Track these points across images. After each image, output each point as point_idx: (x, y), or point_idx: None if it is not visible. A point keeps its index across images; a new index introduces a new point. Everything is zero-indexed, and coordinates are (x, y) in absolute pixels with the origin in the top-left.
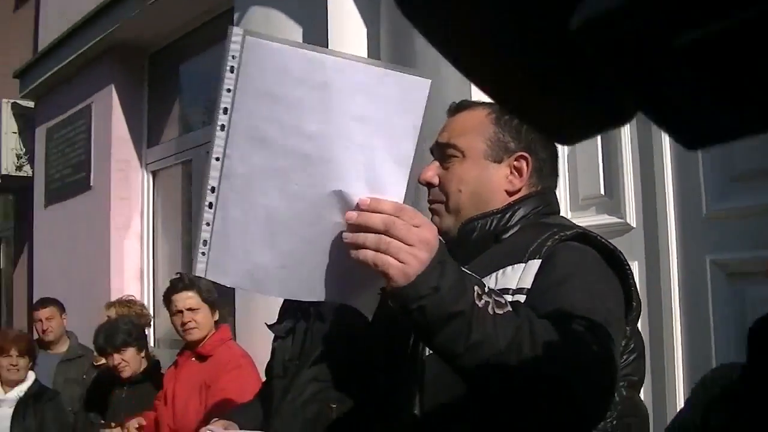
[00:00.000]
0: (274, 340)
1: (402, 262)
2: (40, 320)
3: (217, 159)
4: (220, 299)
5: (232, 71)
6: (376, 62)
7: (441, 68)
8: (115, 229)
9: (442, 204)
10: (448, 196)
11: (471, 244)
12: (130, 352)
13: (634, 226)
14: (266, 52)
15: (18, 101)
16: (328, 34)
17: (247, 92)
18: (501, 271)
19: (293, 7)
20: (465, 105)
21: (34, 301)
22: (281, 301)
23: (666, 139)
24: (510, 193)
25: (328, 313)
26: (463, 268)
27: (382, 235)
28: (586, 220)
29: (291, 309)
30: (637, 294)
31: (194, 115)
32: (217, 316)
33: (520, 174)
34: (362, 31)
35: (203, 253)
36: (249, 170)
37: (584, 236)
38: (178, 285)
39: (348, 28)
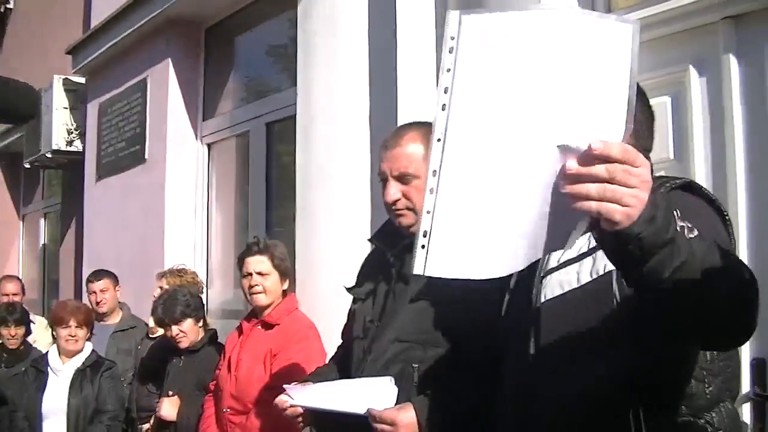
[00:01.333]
0: (354, 302)
1: (626, 206)
2: (94, 292)
3: (439, 140)
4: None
5: (451, 51)
6: (582, 11)
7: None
8: (170, 202)
9: None
10: None
11: None
12: (187, 324)
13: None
14: (482, 26)
15: (70, 77)
16: (396, 4)
17: (466, 70)
18: None
19: None
20: None
21: (84, 275)
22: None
23: (737, 102)
24: None
25: (417, 277)
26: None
27: (606, 184)
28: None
29: (371, 272)
30: (736, 246)
31: (250, 88)
32: (286, 285)
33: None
34: (430, 2)
35: (423, 246)
36: (472, 148)
37: (690, 186)
38: (252, 248)
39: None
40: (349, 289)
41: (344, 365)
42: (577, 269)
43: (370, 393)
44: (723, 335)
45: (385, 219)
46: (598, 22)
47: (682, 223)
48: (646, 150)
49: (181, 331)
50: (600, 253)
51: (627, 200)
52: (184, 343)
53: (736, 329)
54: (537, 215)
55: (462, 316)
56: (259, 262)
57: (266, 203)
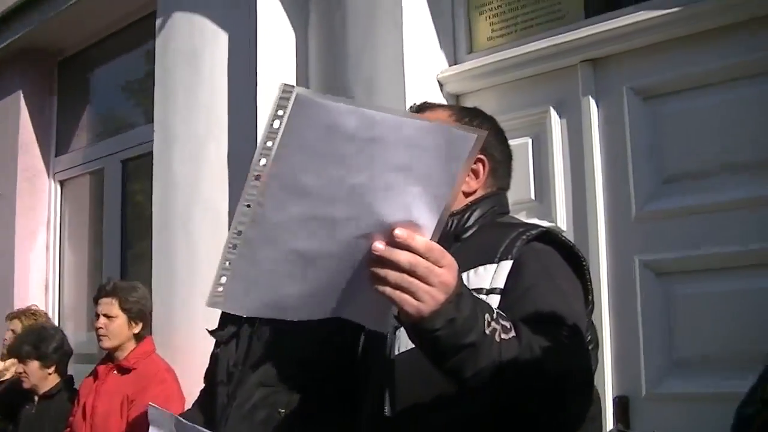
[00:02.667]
0: (216, 346)
1: (419, 300)
2: None
3: (248, 206)
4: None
5: (277, 124)
6: (426, 119)
7: (373, 77)
8: (20, 240)
9: None
10: None
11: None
12: (33, 365)
13: (565, 229)
14: (317, 110)
15: None
16: (257, 40)
17: (289, 146)
18: (473, 270)
19: (219, 12)
20: (427, 106)
21: None
22: (200, 313)
23: (596, 143)
24: (466, 194)
25: (282, 321)
26: (475, 296)
27: (404, 275)
28: None
29: (234, 314)
30: (592, 289)
31: (105, 124)
32: (138, 329)
33: (477, 176)
34: (291, 36)
35: (220, 289)
36: (283, 218)
37: (548, 235)
38: (102, 290)
39: (277, 34)
40: (211, 332)
41: (208, 410)
42: None
43: None
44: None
45: None
46: (444, 129)
47: (496, 326)
48: (502, 189)
49: (24, 370)
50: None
51: (421, 295)
52: (26, 384)
53: (560, 420)
54: (347, 280)
55: (313, 350)
56: (107, 305)
57: (121, 242)
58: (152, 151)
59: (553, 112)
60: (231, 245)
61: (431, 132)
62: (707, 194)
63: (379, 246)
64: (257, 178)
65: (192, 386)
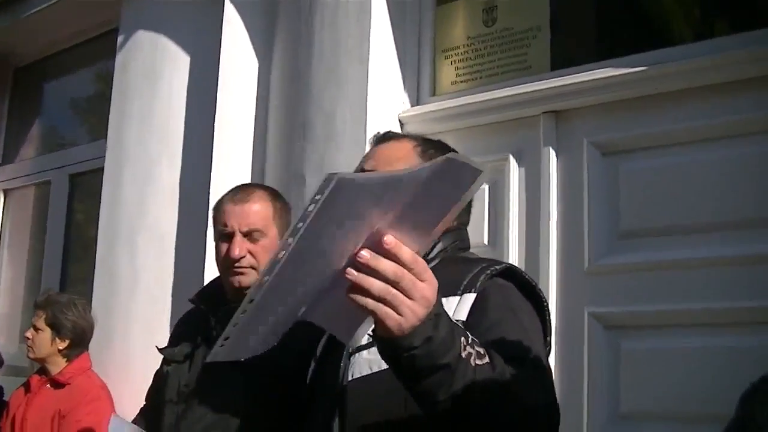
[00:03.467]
0: (166, 363)
1: (400, 315)
2: None
3: (266, 279)
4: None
5: (312, 208)
6: (441, 159)
7: (335, 113)
8: None
9: None
10: None
11: None
12: None
13: None
14: (353, 189)
15: None
16: (219, 66)
17: (319, 223)
18: None
19: (184, 34)
20: (391, 135)
21: None
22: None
23: (553, 194)
24: None
25: None
26: (452, 318)
27: (389, 286)
28: None
29: (189, 333)
30: (551, 331)
31: (55, 137)
32: (62, 345)
33: None
34: (254, 66)
35: (221, 345)
36: (295, 278)
37: (511, 272)
38: (37, 300)
39: (240, 62)
40: (162, 350)
41: (154, 428)
42: None
43: None
44: None
45: (190, 281)
46: (456, 162)
47: (471, 350)
48: (463, 224)
49: None
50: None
51: (403, 310)
52: None
53: None
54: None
55: (266, 383)
56: (37, 316)
57: (63, 257)
58: (101, 168)
59: (512, 160)
60: (242, 310)
61: (443, 167)
62: (661, 252)
63: (365, 254)
64: (280, 254)
65: (127, 405)
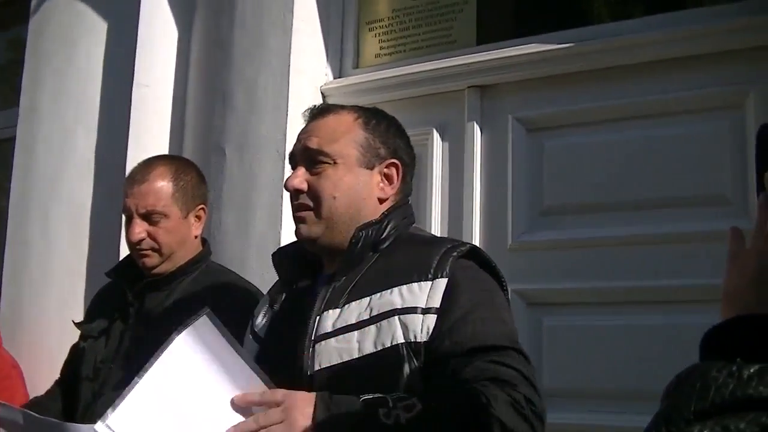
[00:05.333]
0: (83, 339)
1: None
2: None
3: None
4: None
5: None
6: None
7: (256, 82)
8: None
9: (310, 211)
10: (320, 202)
11: (355, 254)
12: None
13: None
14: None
15: None
16: (138, 33)
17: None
18: (405, 287)
19: (101, 1)
20: (329, 108)
21: None
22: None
23: (477, 171)
24: (381, 201)
25: (159, 320)
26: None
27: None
28: None
29: (105, 308)
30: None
31: None
32: None
33: (391, 181)
34: (174, 34)
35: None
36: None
37: (474, 252)
38: None
39: (160, 29)
40: (78, 324)
41: (67, 404)
42: (358, 338)
43: None
44: None
45: (106, 254)
46: None
47: (396, 411)
48: (407, 197)
49: None
50: (385, 323)
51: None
52: None
53: None
54: None
55: None
56: None
57: None
58: (11, 138)
59: (435, 135)
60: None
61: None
62: (583, 229)
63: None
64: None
65: (40, 382)
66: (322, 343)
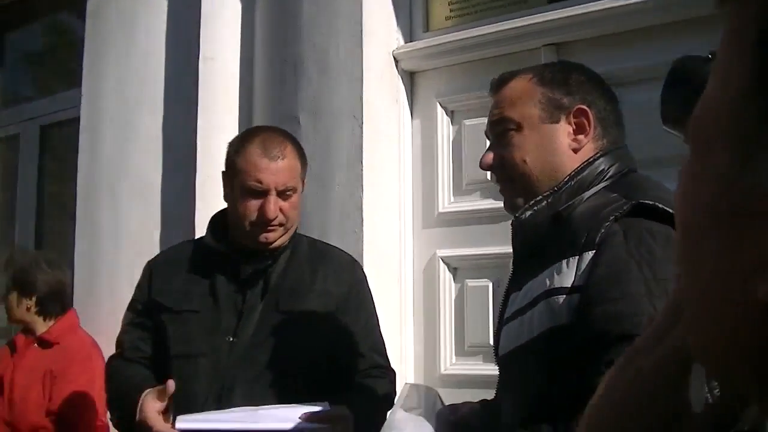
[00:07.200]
0: (177, 315)
1: None
2: None
3: None
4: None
5: None
6: None
7: (328, 50)
8: None
9: (510, 182)
10: (512, 170)
11: (528, 229)
12: None
13: None
14: None
15: None
16: (201, 6)
17: None
18: (557, 267)
19: None
20: (505, 78)
21: None
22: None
23: None
24: (576, 151)
25: (279, 292)
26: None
27: None
28: (469, 204)
29: (193, 283)
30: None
31: (23, 87)
32: (30, 304)
33: (582, 129)
34: (237, 5)
35: None
36: None
37: (641, 209)
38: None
39: (222, 1)
40: (165, 301)
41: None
42: (519, 325)
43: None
44: None
45: (178, 231)
46: None
47: None
48: (615, 143)
49: None
50: (538, 308)
51: None
52: None
53: None
54: None
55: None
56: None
57: (36, 214)
58: (75, 118)
59: None
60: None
61: None
62: None
63: None
64: None
65: None
66: (505, 326)
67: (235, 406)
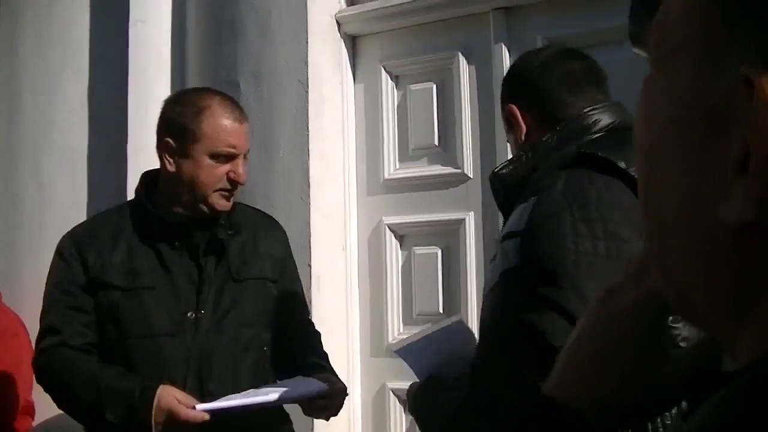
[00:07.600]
0: (133, 292)
1: None
2: None
3: None
4: None
5: None
6: None
7: (270, 12)
8: None
9: None
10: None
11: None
12: None
13: (472, 176)
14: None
15: None
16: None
17: None
18: (514, 213)
19: None
20: None
21: None
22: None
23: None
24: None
25: (240, 258)
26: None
27: None
28: (416, 170)
29: (137, 257)
30: None
31: None
32: None
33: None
34: None
35: None
36: None
37: (586, 156)
38: None
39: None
40: (113, 279)
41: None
42: (490, 271)
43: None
44: None
45: (107, 200)
46: None
47: None
48: (565, 119)
49: None
50: (498, 254)
51: None
52: None
53: None
54: None
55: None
56: None
57: None
58: None
59: (461, 58)
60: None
61: None
62: None
63: None
64: None
65: None
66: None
67: (215, 384)
